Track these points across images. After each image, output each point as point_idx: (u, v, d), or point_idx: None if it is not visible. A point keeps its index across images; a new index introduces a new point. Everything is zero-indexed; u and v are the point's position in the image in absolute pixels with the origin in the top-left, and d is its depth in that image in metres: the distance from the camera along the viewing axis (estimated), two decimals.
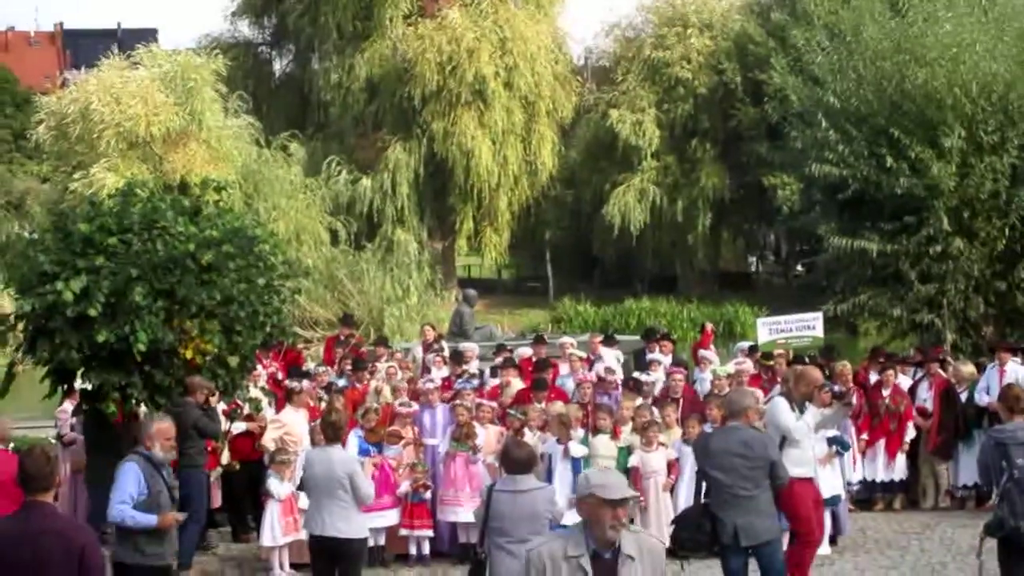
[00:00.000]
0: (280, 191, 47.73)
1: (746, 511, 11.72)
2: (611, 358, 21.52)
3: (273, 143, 50.16)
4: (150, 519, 10.64)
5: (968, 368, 20.71)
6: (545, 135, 55.15)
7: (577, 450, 16.40)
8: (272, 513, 16.15)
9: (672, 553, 13.98)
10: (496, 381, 20.24)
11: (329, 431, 12.97)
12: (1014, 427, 11.68)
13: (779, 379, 19.54)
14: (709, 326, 24.76)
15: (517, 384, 19.46)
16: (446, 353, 22.17)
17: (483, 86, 52.35)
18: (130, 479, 10.74)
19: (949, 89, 31.90)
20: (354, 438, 16.76)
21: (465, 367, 20.22)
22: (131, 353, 15.94)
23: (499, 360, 21.20)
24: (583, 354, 21.18)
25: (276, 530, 16.07)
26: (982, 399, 19.62)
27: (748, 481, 11.77)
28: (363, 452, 16.67)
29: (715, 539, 11.89)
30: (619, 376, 19.97)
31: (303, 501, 15.83)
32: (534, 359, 21.12)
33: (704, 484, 12.81)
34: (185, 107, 48.49)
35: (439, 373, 20.06)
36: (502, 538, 10.41)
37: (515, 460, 10.60)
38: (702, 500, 12.29)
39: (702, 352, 21.53)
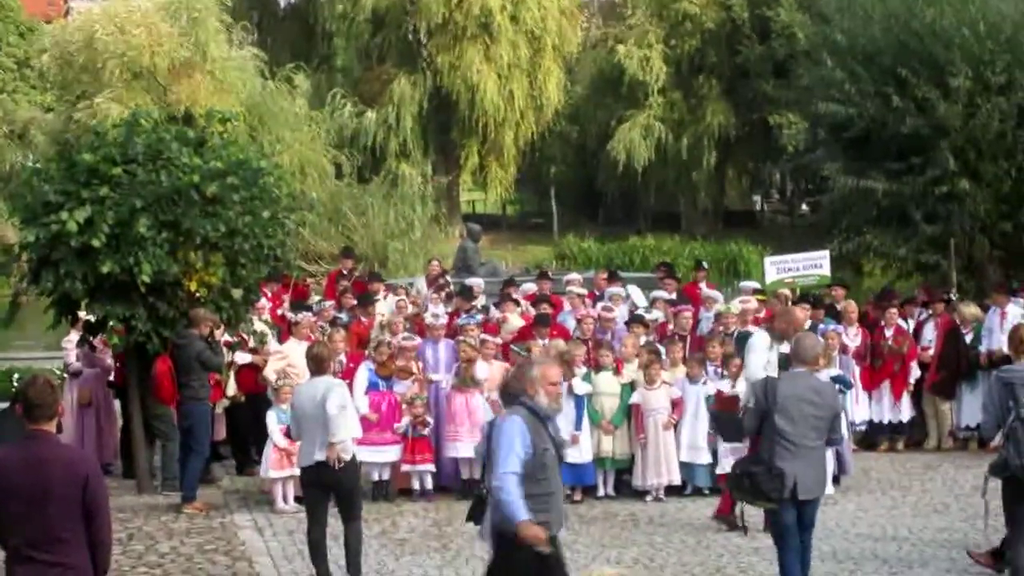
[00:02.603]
0: (284, 123, 47.50)
1: (807, 463, 11.05)
2: (639, 297, 21.49)
3: (278, 75, 49.89)
4: (521, 514, 9.36)
5: (972, 309, 20.67)
6: (551, 70, 54.85)
7: (581, 387, 16.42)
8: (271, 446, 16.18)
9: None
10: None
11: (311, 364, 12.93)
12: (1022, 367, 11.70)
13: None
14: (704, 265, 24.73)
15: (515, 319, 19.42)
16: (448, 288, 22.14)
17: (489, 19, 52.02)
18: (516, 439, 9.27)
19: (957, 29, 31.77)
20: (364, 371, 16.76)
21: (473, 303, 20.18)
22: (135, 284, 15.98)
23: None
24: (584, 291, 21.13)
25: (272, 463, 16.12)
26: (991, 343, 19.58)
27: (813, 431, 11.09)
28: (373, 386, 16.69)
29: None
30: (622, 313, 19.91)
31: (279, 438, 15.87)
32: (537, 294, 21.09)
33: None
34: (190, 37, 48.22)
35: (435, 309, 19.99)
36: None
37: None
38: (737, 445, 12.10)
39: (706, 292, 21.47)
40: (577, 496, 16.25)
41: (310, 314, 18.64)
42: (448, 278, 23.33)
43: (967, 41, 31.61)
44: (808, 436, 11.07)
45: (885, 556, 13.57)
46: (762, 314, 19.84)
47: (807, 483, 11.06)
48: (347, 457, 12.45)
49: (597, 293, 21.29)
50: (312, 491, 12.76)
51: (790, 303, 20.03)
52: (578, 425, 16.27)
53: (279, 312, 20.11)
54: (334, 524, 12.78)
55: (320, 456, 12.37)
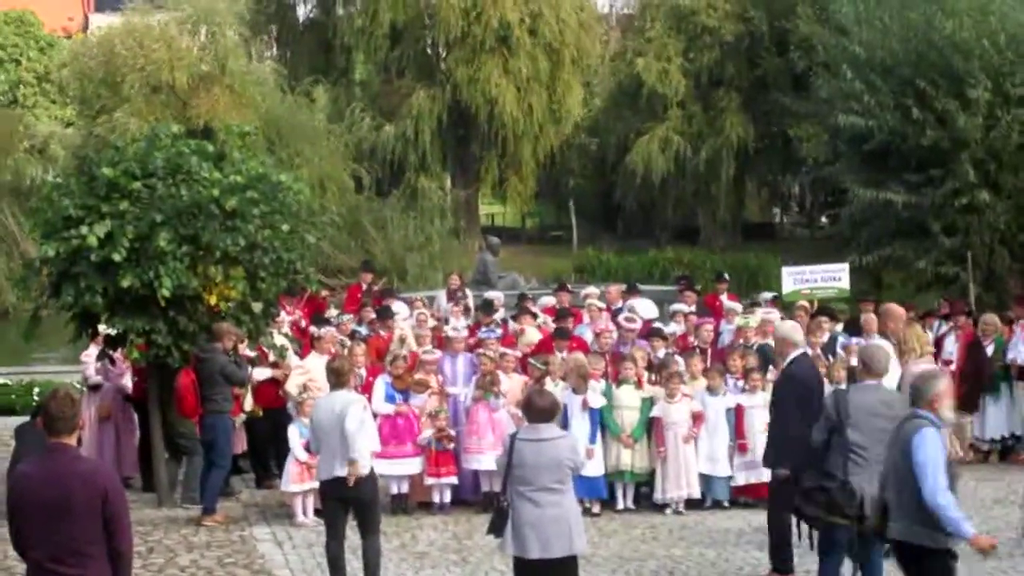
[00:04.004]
0: (303, 137, 47.66)
1: (875, 477, 10.49)
2: (647, 310, 21.44)
3: (297, 89, 50.04)
4: (969, 529, 9.42)
5: (994, 320, 20.62)
6: (570, 83, 54.79)
7: (596, 400, 16.41)
8: (292, 459, 16.20)
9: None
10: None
11: (331, 377, 12.95)
12: None
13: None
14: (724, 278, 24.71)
15: (533, 333, 19.42)
16: (468, 301, 22.15)
17: (507, 33, 52.00)
18: (940, 453, 9.20)
19: (977, 40, 31.69)
20: (382, 384, 16.79)
21: (493, 316, 20.18)
22: (155, 298, 16.01)
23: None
24: (603, 304, 21.12)
25: (292, 477, 16.14)
26: (1020, 355, 19.56)
27: (881, 444, 10.51)
28: (390, 399, 16.72)
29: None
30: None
31: (300, 452, 15.90)
32: (556, 307, 21.09)
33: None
34: (209, 51, 48.41)
35: (456, 323, 20.01)
36: (524, 486, 10.42)
37: (538, 409, 10.60)
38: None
39: (728, 304, 21.44)
40: (596, 509, 16.23)
41: (333, 329, 18.68)
42: (467, 291, 23.35)
43: (986, 53, 31.54)
44: (877, 450, 10.82)
45: None
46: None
47: (873, 499, 10.70)
48: (365, 473, 12.47)
49: (613, 307, 21.27)
50: (331, 504, 12.78)
51: (809, 315, 20.04)
52: (592, 439, 16.26)
53: (299, 325, 20.16)
54: (353, 538, 12.79)
55: (340, 471, 12.39)
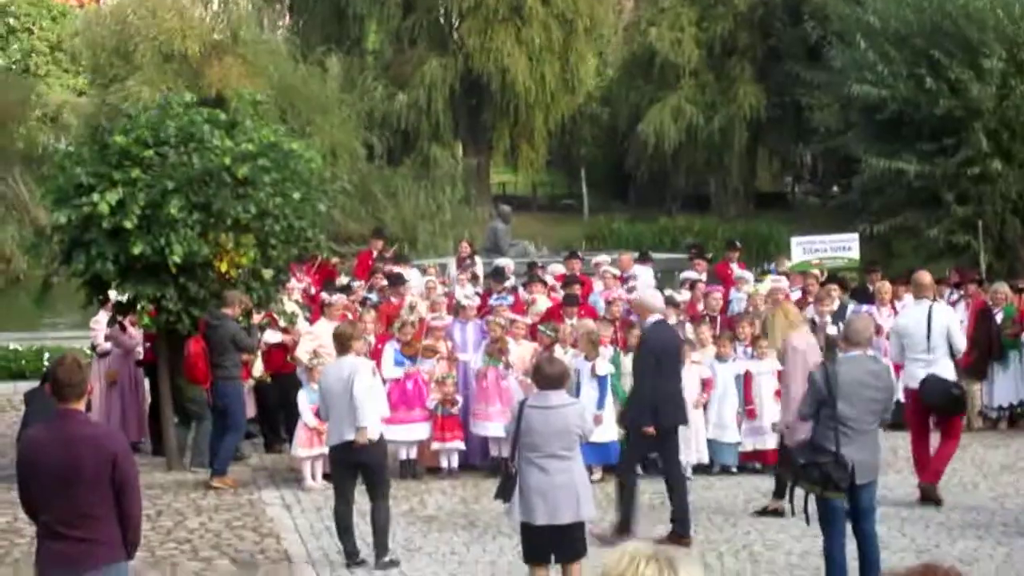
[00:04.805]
0: (316, 106, 47.67)
1: (863, 447, 10.98)
2: (648, 276, 21.50)
3: (309, 58, 50.01)
4: None
5: (1004, 289, 20.61)
6: (583, 53, 54.69)
7: (603, 368, 16.42)
8: (302, 424, 16.27)
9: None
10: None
11: (336, 343, 13.04)
12: None
13: (809, 299, 19.57)
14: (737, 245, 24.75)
15: (543, 300, 19.46)
16: (476, 269, 22.19)
17: (520, 2, 51.88)
18: None
19: (991, 10, 31.64)
20: (390, 350, 16.86)
21: (505, 284, 20.23)
22: (166, 265, 16.08)
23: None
24: (617, 272, 21.17)
25: (302, 442, 16.21)
26: None
27: (871, 415, 11.08)
28: (398, 365, 16.79)
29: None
30: None
31: (309, 418, 15.98)
32: (566, 274, 21.14)
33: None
34: (221, 20, 48.40)
35: (463, 291, 20.06)
36: (532, 453, 10.48)
37: (547, 376, 10.65)
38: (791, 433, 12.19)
39: (737, 272, 21.49)
40: (597, 475, 16.25)
41: (344, 296, 18.75)
42: (476, 258, 23.39)
43: (1000, 22, 31.49)
44: (866, 420, 11.04)
45: (913, 535, 13.57)
46: (795, 295, 19.93)
47: (864, 467, 10.99)
48: (374, 439, 12.55)
49: (624, 275, 21.32)
50: (339, 469, 12.87)
51: (819, 283, 20.09)
52: (601, 404, 16.26)
53: (308, 292, 20.23)
54: (362, 502, 12.87)
55: (348, 435, 12.47)
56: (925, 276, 16.03)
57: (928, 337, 14.99)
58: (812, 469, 11.01)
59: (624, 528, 13.36)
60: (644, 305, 14.18)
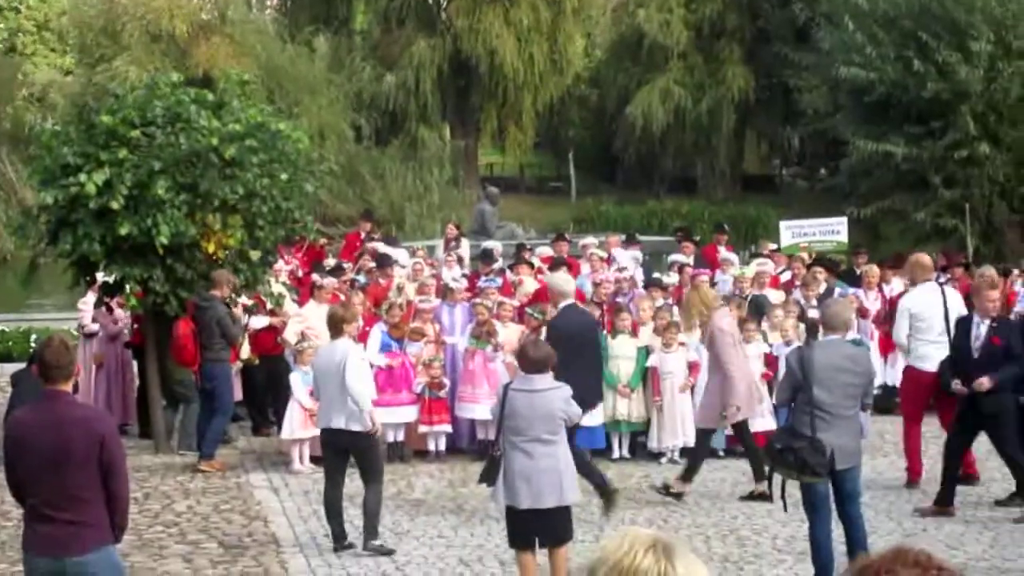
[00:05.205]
0: (303, 86, 47.60)
1: (842, 432, 10.91)
2: (626, 258, 21.49)
3: (297, 38, 49.92)
4: None
5: (990, 272, 20.60)
6: (571, 34, 54.69)
7: None
8: (293, 407, 16.25)
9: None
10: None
11: (329, 326, 13.02)
12: None
13: (796, 282, 19.59)
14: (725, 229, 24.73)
15: (530, 282, 19.45)
16: (461, 251, 22.15)
17: None
18: None
19: None
20: (378, 332, 16.83)
21: (493, 266, 20.21)
22: (153, 246, 16.05)
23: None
24: (604, 254, 21.16)
25: (296, 424, 16.18)
26: None
27: (850, 399, 11.00)
28: (386, 347, 16.75)
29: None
30: (639, 276, 20.01)
31: (305, 399, 15.96)
32: (553, 257, 21.12)
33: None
34: (209, 0, 48.28)
35: (450, 273, 20.04)
36: (517, 437, 10.47)
37: (531, 360, 10.61)
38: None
39: (724, 254, 21.50)
40: (586, 458, 16.24)
41: (335, 279, 18.71)
42: (463, 241, 23.36)
43: (988, 4, 31.51)
44: (844, 405, 10.97)
45: (900, 518, 13.61)
46: (786, 276, 19.94)
47: (844, 452, 10.94)
48: (368, 427, 12.53)
49: (610, 257, 21.30)
50: (330, 452, 12.86)
51: (805, 266, 20.11)
52: None
53: (296, 274, 20.20)
54: (350, 485, 12.86)
55: (337, 420, 12.45)
56: (926, 258, 15.96)
57: (946, 319, 14.85)
58: (788, 454, 10.99)
59: None
60: (555, 289, 14.25)
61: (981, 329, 13.80)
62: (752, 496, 14.39)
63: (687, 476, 14.47)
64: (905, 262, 21.10)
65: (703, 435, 14.96)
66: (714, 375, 14.57)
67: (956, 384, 13.81)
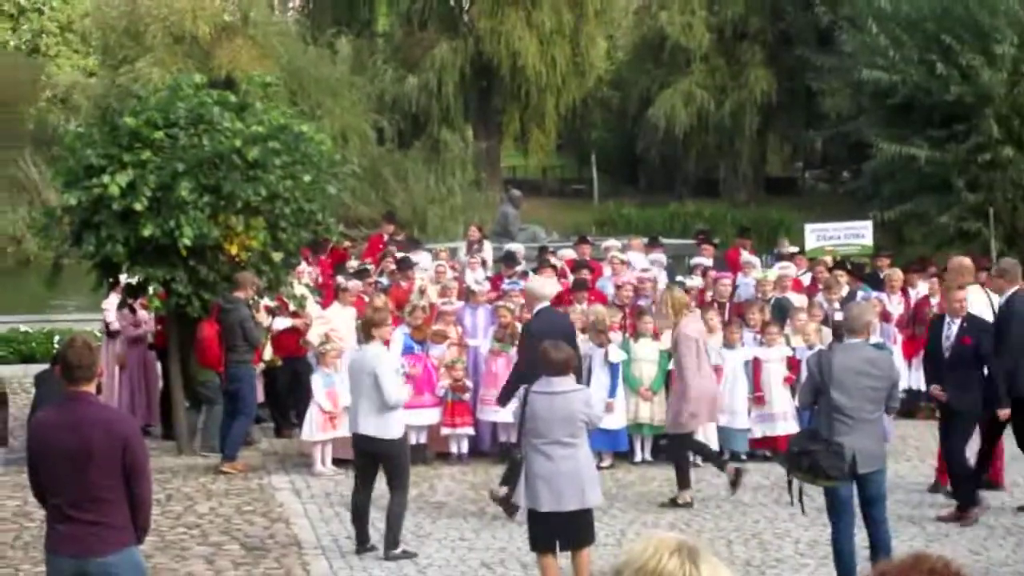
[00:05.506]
0: (326, 89, 47.62)
1: (864, 436, 10.88)
2: (643, 261, 21.43)
3: (319, 40, 49.96)
4: None
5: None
6: (593, 36, 54.59)
7: (616, 355, 16.41)
8: (313, 409, 16.25)
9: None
10: None
11: (360, 330, 13.05)
12: None
13: (819, 285, 19.54)
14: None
15: (552, 284, 19.42)
16: (484, 254, 22.16)
17: None
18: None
19: None
20: (400, 335, 16.82)
21: (516, 268, 20.21)
22: (176, 248, 16.07)
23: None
24: (626, 257, 21.15)
25: (316, 426, 16.19)
26: None
27: (871, 403, 10.94)
28: (408, 350, 16.74)
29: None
30: (662, 279, 19.97)
31: (324, 401, 16.00)
32: (576, 259, 21.13)
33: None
34: (232, 2, 48.36)
35: (473, 275, 20.05)
36: (538, 439, 10.46)
37: (552, 362, 10.61)
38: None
39: (745, 257, 21.46)
40: (607, 462, 16.20)
41: (359, 282, 18.73)
42: (485, 243, 23.37)
43: (1012, 7, 31.41)
44: (865, 408, 10.93)
45: (923, 523, 13.57)
46: (807, 280, 19.90)
47: (865, 456, 10.89)
48: (398, 434, 12.56)
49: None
50: (360, 457, 12.86)
51: (827, 269, 20.08)
52: (612, 392, 16.27)
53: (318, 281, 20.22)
54: (376, 487, 12.83)
55: (366, 426, 12.45)
56: (967, 260, 15.85)
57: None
58: (803, 458, 10.99)
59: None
60: (531, 293, 14.39)
61: (952, 329, 13.77)
62: (673, 503, 14.36)
63: (681, 484, 14.43)
64: (929, 265, 21.10)
65: (677, 440, 14.91)
66: (680, 380, 14.61)
67: (935, 389, 13.84)
